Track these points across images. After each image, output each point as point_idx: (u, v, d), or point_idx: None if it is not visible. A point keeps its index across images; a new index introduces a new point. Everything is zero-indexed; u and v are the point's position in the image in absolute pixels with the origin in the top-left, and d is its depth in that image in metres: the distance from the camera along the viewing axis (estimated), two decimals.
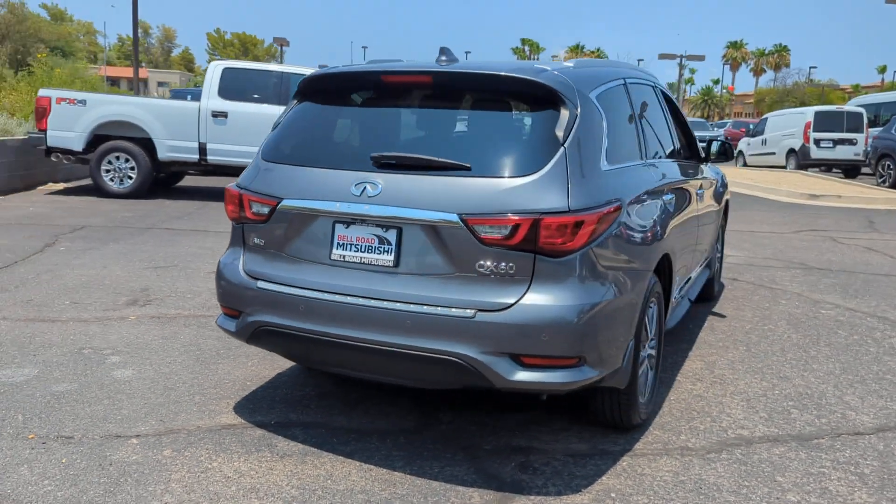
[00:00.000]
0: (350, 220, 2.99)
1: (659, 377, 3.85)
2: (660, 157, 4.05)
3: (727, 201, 6.21)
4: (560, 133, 2.93)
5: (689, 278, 4.63)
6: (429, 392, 3.78)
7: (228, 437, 3.31)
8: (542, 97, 3.03)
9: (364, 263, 2.97)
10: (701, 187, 4.79)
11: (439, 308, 2.83)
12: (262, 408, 3.63)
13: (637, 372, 3.29)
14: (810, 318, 5.61)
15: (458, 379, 2.86)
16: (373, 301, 2.92)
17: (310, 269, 3.10)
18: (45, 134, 11.10)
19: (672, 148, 4.47)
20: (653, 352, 3.67)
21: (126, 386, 3.85)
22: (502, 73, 3.09)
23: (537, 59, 79.84)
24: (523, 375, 2.80)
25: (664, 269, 3.76)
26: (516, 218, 2.76)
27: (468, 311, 2.80)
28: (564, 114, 2.99)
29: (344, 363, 3.11)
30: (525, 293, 2.79)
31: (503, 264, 2.80)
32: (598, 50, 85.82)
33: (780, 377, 4.30)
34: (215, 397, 3.73)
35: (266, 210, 3.16)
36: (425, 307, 2.85)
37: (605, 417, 3.41)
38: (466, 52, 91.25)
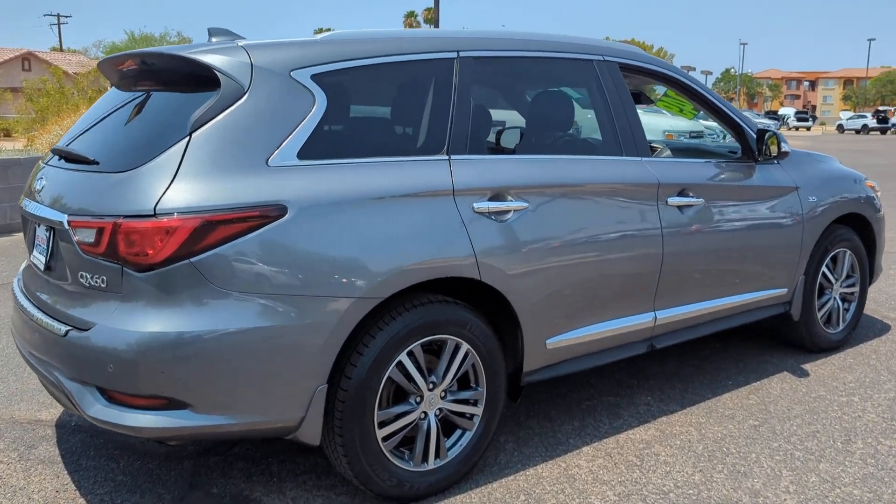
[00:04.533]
0: (36, 220, 2.80)
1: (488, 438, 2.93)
2: (533, 153, 3.08)
3: (863, 219, 4.46)
4: (195, 118, 2.39)
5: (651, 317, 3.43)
6: None
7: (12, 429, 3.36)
8: (201, 77, 2.51)
9: (38, 266, 2.77)
10: (700, 195, 3.53)
11: (52, 321, 2.52)
12: None
13: (366, 427, 2.55)
14: None
15: (68, 404, 2.51)
16: (31, 306, 2.71)
17: (26, 270, 3.00)
18: None
19: (610, 140, 3.35)
20: (454, 406, 2.82)
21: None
22: (165, 53, 2.63)
23: None
24: (104, 413, 2.34)
25: (507, 306, 2.89)
26: (98, 221, 2.32)
27: (64, 327, 2.44)
28: (216, 96, 2.43)
29: (34, 367, 2.93)
30: (110, 313, 2.33)
31: (97, 276, 2.38)
32: None
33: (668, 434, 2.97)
34: None
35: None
36: (47, 318, 2.56)
37: (344, 476, 2.73)
38: (870, 40, 79.03)
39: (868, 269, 4.62)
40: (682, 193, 3.48)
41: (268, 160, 2.43)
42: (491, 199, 2.82)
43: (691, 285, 3.57)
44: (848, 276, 4.52)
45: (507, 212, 2.86)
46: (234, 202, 2.32)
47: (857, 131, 56.09)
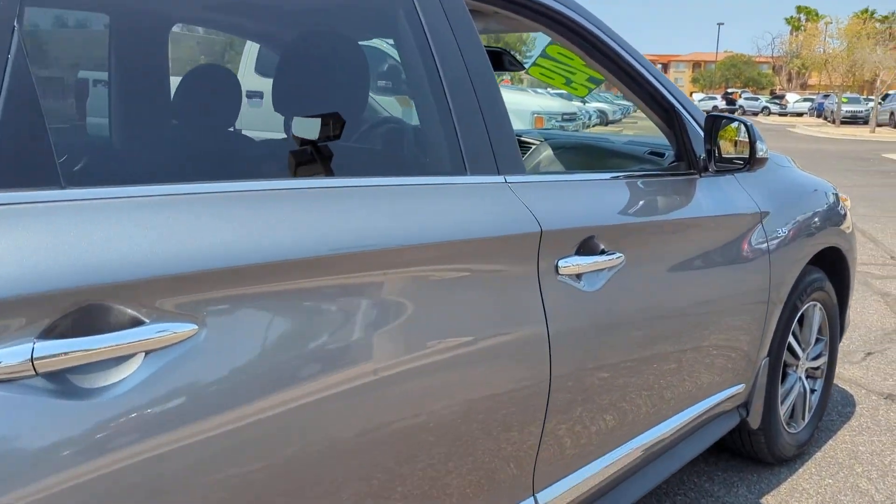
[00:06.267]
0: None
1: None
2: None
3: (838, 254, 2.91)
4: None
5: None
6: None
7: None
8: None
9: None
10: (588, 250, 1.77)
11: None
12: None
13: None
14: None
15: None
16: None
17: None
18: None
19: (441, 144, 1.56)
20: None
21: None
22: None
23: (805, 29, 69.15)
24: None
25: None
26: None
27: None
28: None
29: None
30: None
31: None
32: (894, 14, 73.01)
33: None
34: None
35: None
36: None
37: None
38: (720, 24, 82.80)
39: (839, 327, 3.09)
40: (585, 247, 1.71)
41: None
42: (48, 335, 0.93)
43: (601, 422, 1.84)
44: (816, 341, 2.96)
45: (122, 370, 0.98)
46: None
47: (708, 112, 57.95)
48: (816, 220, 2.68)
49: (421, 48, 1.56)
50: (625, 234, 1.84)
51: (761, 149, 2.13)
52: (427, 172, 1.60)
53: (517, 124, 7.89)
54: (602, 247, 1.75)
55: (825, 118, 43.04)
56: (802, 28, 74.07)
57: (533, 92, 13.46)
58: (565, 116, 8.13)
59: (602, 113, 22.97)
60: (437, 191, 1.46)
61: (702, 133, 2.20)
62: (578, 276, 1.69)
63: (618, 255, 1.79)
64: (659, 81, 2.14)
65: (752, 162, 2.12)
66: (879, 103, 33.81)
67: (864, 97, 44.53)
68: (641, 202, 1.98)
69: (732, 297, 2.24)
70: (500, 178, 1.60)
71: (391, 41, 1.85)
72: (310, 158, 1.47)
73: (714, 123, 2.16)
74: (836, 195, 2.96)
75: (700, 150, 2.20)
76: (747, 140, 2.12)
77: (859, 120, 37.97)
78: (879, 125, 32.13)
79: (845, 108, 38.32)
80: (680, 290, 2.03)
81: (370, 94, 2.02)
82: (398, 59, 1.70)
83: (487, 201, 1.53)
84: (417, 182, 1.45)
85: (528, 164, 2.72)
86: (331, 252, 1.21)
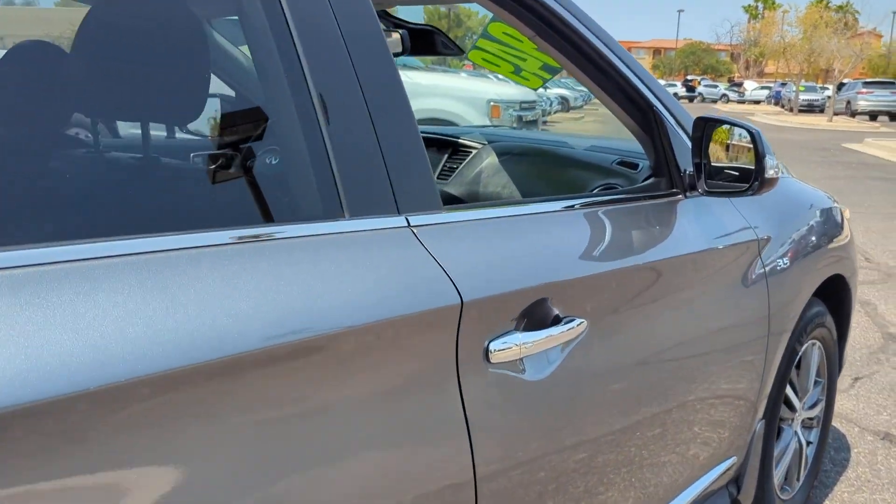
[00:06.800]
0: None
1: None
2: None
3: (842, 282, 2.42)
4: None
5: None
6: None
7: None
8: None
9: None
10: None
11: None
12: None
13: None
14: None
15: None
16: None
17: None
18: None
19: (304, 176, 1.01)
20: None
21: None
22: None
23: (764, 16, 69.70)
24: None
25: None
26: None
27: None
28: None
29: None
30: None
31: None
32: (848, 3, 73.83)
33: None
34: None
35: None
36: None
37: None
38: (680, 11, 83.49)
39: (838, 366, 2.61)
40: (530, 317, 1.17)
41: None
42: None
43: None
44: (813, 384, 2.48)
45: None
46: None
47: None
48: (822, 244, 2.18)
49: (273, 21, 1.00)
50: (587, 292, 1.30)
51: (771, 165, 1.59)
52: (272, 218, 1.04)
53: (473, 115, 7.17)
54: (556, 312, 1.21)
55: (782, 106, 43.23)
56: (760, 16, 74.67)
57: (495, 78, 12.76)
58: (524, 105, 7.55)
59: (563, 99, 22.35)
60: (284, 250, 0.90)
61: (688, 141, 1.67)
62: (520, 362, 1.15)
63: (578, 321, 1.24)
64: (634, 73, 1.60)
65: (759, 183, 1.58)
66: (837, 92, 33.92)
67: (821, 86, 44.86)
68: (609, 240, 1.44)
69: (723, 357, 1.73)
70: (399, 221, 1.04)
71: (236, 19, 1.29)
72: (79, 200, 0.90)
73: (705, 129, 1.62)
74: (838, 210, 2.47)
75: (685, 163, 1.67)
76: (752, 151, 1.59)
77: (815, 108, 38.14)
78: (836, 114, 32.24)
79: (802, 96, 38.45)
80: (659, 359, 1.50)
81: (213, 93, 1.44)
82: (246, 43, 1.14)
83: (376, 260, 0.98)
84: (242, 235, 0.88)
85: (466, 175, 2.17)
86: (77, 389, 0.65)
